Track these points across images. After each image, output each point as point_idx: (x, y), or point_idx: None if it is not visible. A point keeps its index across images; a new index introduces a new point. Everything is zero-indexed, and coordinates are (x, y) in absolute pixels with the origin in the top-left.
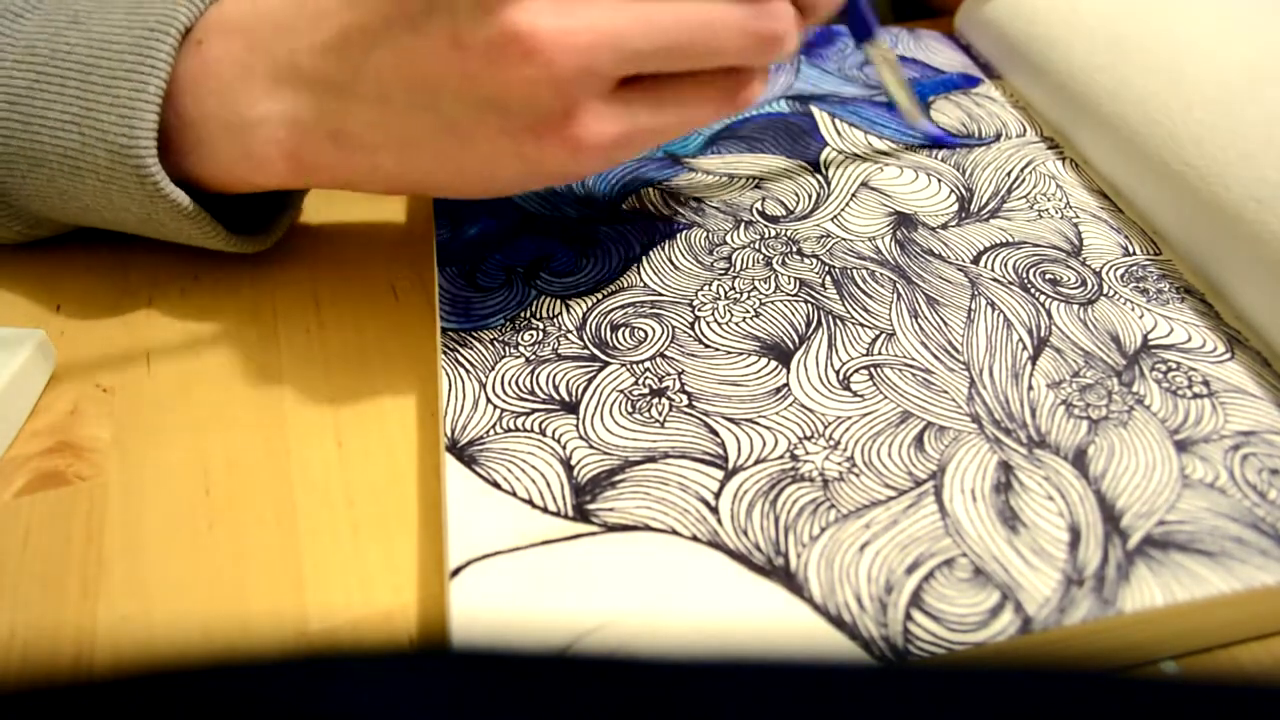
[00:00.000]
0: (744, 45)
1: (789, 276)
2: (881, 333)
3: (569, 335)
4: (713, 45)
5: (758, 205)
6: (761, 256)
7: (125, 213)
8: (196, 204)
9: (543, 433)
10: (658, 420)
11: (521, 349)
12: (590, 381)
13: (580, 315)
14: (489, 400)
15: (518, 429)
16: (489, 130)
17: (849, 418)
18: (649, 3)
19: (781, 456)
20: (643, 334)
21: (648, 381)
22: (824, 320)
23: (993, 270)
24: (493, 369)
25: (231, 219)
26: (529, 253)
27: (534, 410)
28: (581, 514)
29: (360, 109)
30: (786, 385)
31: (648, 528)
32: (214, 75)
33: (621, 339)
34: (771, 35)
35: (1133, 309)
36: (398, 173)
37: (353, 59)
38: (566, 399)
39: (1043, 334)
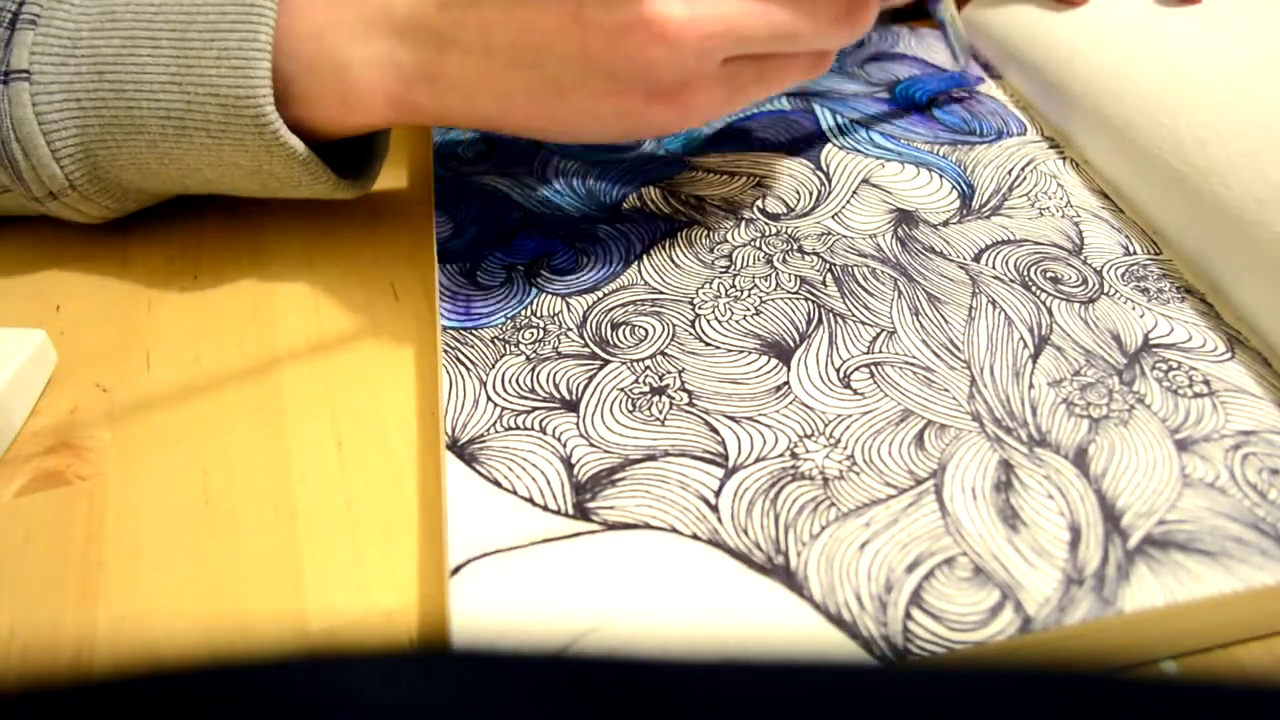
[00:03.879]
0: (838, 32)
1: (790, 274)
2: (882, 330)
3: (569, 333)
4: (813, 32)
5: (758, 203)
6: (762, 254)
7: (234, 168)
8: (310, 149)
9: (543, 431)
10: (658, 418)
11: (522, 347)
12: (591, 380)
13: (581, 313)
14: (489, 399)
15: (518, 427)
16: (594, 91)
17: (849, 416)
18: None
19: (782, 455)
20: (643, 332)
21: (648, 379)
22: (824, 318)
23: (994, 268)
24: (493, 367)
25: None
26: (530, 251)
27: (534, 408)
28: (582, 512)
29: (460, 58)
30: (787, 383)
31: (648, 526)
32: (307, 19)
33: (622, 337)
34: (859, 22)
35: (1133, 308)
36: (497, 117)
37: (453, 10)
38: (567, 397)
39: (1044, 332)
